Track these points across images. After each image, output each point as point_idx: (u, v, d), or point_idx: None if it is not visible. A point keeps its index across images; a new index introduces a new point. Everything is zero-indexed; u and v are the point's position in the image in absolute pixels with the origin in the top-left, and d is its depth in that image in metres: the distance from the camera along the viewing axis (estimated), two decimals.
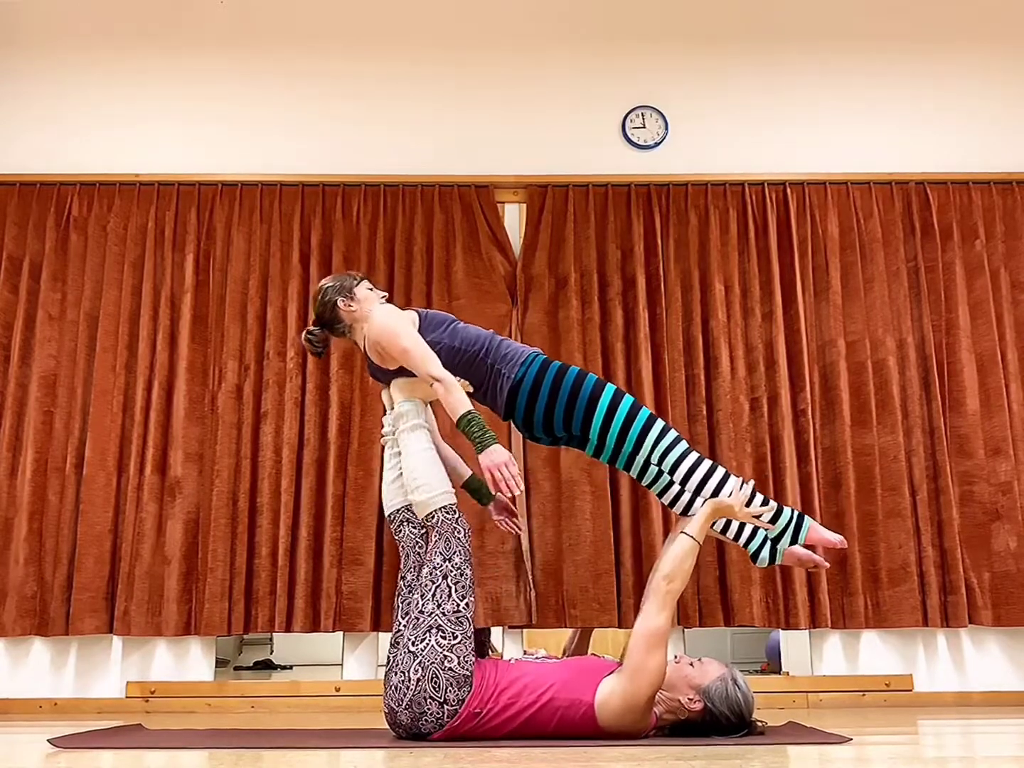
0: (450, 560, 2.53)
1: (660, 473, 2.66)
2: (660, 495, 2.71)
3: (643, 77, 4.44)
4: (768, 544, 2.73)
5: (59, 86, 4.39)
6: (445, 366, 2.71)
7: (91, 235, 4.17)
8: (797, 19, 4.51)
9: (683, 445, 2.67)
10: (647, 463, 2.66)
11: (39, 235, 4.17)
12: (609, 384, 2.72)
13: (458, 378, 2.74)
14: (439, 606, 2.48)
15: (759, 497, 2.67)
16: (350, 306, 2.84)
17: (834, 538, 2.73)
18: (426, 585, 2.52)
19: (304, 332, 2.94)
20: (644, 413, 2.67)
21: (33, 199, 4.20)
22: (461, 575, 2.52)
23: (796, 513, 2.73)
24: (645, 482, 2.71)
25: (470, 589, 2.53)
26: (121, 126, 4.35)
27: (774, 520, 2.70)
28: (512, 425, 3.96)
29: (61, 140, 4.33)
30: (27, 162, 4.28)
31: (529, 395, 2.70)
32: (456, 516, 2.60)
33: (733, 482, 2.66)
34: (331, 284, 2.88)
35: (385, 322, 2.78)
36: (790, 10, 4.52)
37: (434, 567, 2.53)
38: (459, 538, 2.57)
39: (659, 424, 2.67)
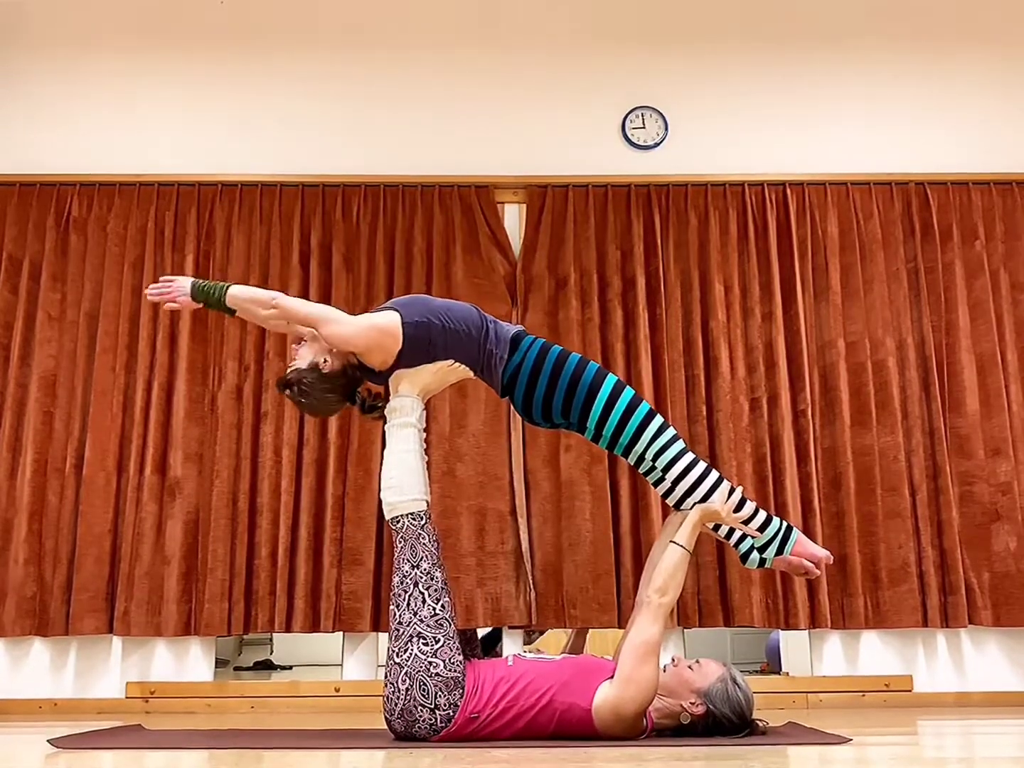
0: (418, 567, 2.51)
1: (654, 468, 2.66)
2: (654, 485, 2.73)
3: (643, 77, 4.43)
4: (774, 544, 2.72)
5: (59, 86, 4.38)
6: (439, 346, 2.65)
7: (91, 235, 4.17)
8: (797, 19, 4.51)
9: (679, 445, 2.67)
10: (642, 457, 2.66)
11: (39, 235, 4.17)
12: (610, 374, 2.69)
13: (452, 362, 2.69)
14: (415, 614, 2.46)
15: (749, 504, 2.67)
16: (327, 360, 2.65)
17: (821, 553, 2.70)
18: (399, 595, 2.50)
19: (360, 412, 2.73)
20: (644, 407, 2.66)
21: (33, 199, 4.20)
22: (431, 579, 2.50)
23: (785, 524, 2.73)
24: (640, 471, 2.73)
25: (444, 591, 2.50)
26: (121, 126, 4.35)
27: (763, 528, 2.69)
28: (510, 415, 4.01)
29: (61, 140, 4.32)
30: (27, 162, 4.27)
31: (528, 380, 2.66)
32: (422, 523, 2.55)
33: (725, 487, 2.65)
34: (305, 373, 2.63)
35: (333, 335, 2.63)
36: (790, 10, 4.52)
37: (403, 575, 2.51)
38: (424, 543, 2.53)
39: (657, 420, 2.66)
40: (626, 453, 2.69)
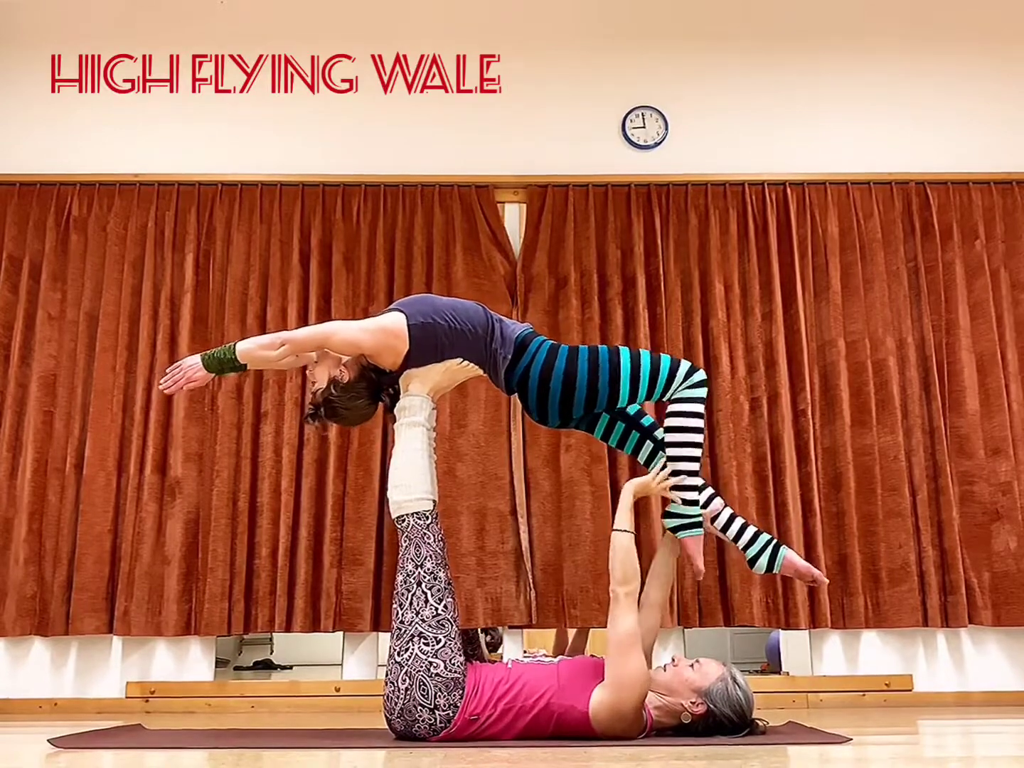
0: (422, 566, 2.51)
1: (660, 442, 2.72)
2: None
3: (643, 77, 4.43)
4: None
5: (59, 86, 4.38)
6: (446, 345, 2.66)
7: (91, 235, 4.17)
8: (797, 19, 4.51)
9: (700, 406, 2.66)
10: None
11: (39, 235, 4.17)
12: (621, 348, 2.71)
13: (462, 360, 2.71)
14: (417, 614, 2.46)
15: (692, 479, 2.66)
16: (342, 371, 2.69)
17: (810, 574, 2.74)
18: (402, 594, 2.50)
19: (386, 410, 2.77)
20: (666, 359, 2.69)
21: (33, 199, 4.20)
22: (435, 579, 2.50)
23: (772, 541, 2.76)
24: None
25: (447, 591, 2.50)
26: (121, 126, 4.35)
27: (692, 503, 2.70)
28: (511, 414, 4.01)
29: (61, 140, 4.32)
30: (27, 162, 4.27)
31: (540, 383, 2.64)
32: (427, 523, 2.56)
33: (702, 487, 2.71)
34: (327, 391, 2.68)
35: (343, 342, 2.67)
36: (790, 10, 4.51)
37: (407, 575, 2.51)
38: (429, 543, 2.54)
39: (684, 364, 2.68)
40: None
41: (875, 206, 4.25)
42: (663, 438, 2.71)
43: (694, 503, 2.69)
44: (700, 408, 2.66)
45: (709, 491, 2.75)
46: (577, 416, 2.72)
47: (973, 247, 4.20)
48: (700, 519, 2.70)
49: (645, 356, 2.68)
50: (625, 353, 2.67)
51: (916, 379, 4.05)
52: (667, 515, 2.72)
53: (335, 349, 2.68)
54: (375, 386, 2.72)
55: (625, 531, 2.56)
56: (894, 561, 3.86)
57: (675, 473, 2.65)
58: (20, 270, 4.12)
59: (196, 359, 2.68)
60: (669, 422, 2.66)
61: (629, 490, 2.65)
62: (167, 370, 2.72)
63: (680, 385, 2.65)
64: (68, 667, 3.86)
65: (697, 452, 2.66)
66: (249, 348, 2.65)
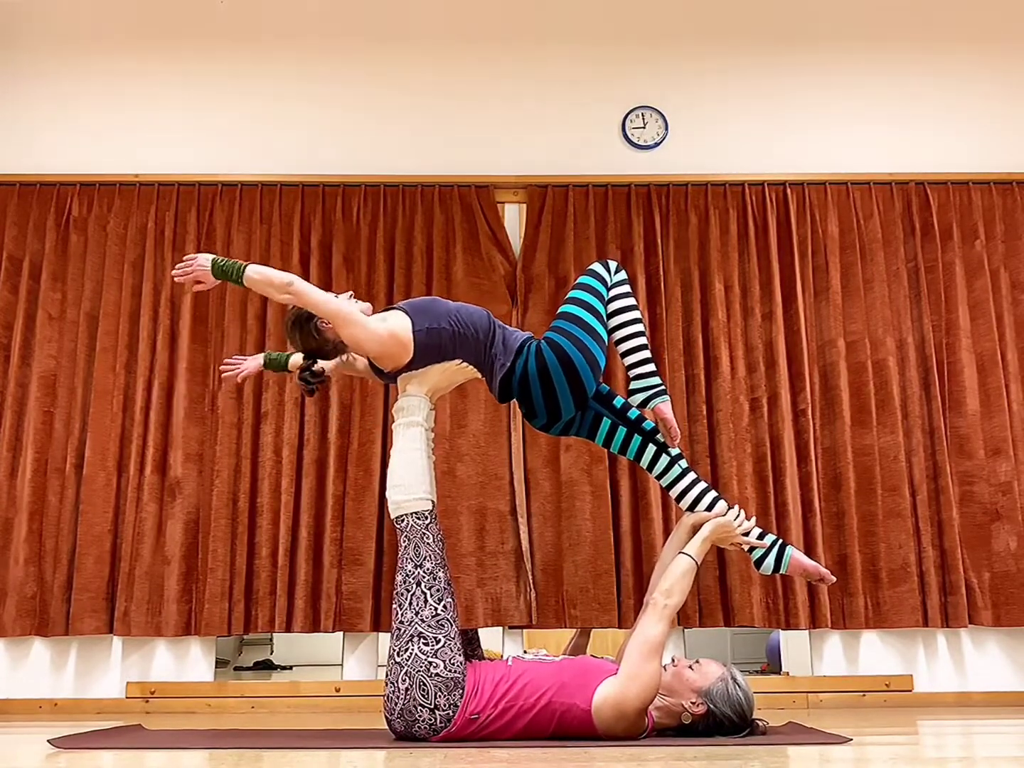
0: (421, 566, 2.51)
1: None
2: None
3: (643, 77, 4.44)
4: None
5: (59, 86, 4.39)
6: (448, 349, 2.68)
7: (91, 235, 4.17)
8: (798, 19, 4.51)
9: (627, 286, 2.78)
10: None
11: (39, 235, 4.17)
12: (573, 307, 2.73)
13: (460, 362, 2.71)
14: (417, 614, 2.47)
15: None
16: (327, 323, 2.70)
17: (817, 572, 2.76)
18: (401, 594, 2.50)
19: (298, 373, 2.81)
20: (593, 283, 2.77)
21: (33, 199, 4.20)
22: (434, 579, 2.50)
23: (779, 541, 2.79)
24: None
25: (446, 591, 2.51)
26: (121, 126, 4.35)
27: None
28: (511, 414, 4.00)
29: (61, 140, 4.33)
30: (27, 162, 4.28)
31: (541, 379, 2.63)
32: (427, 523, 2.56)
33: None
34: (299, 312, 2.72)
35: (349, 337, 2.68)
36: (791, 10, 4.52)
37: (406, 575, 2.51)
38: (428, 543, 2.54)
39: (599, 267, 2.78)
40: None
41: (875, 206, 4.25)
42: (638, 374, 2.75)
43: (655, 373, 2.75)
44: (628, 288, 2.77)
45: (713, 494, 2.75)
46: (591, 390, 2.69)
47: (973, 247, 4.20)
48: (664, 387, 2.76)
49: (586, 297, 2.71)
50: (577, 310, 2.69)
51: (916, 379, 4.05)
52: (632, 392, 2.76)
53: (341, 337, 2.68)
54: (322, 352, 2.77)
55: (690, 557, 2.61)
56: (894, 561, 3.86)
57: (639, 348, 2.73)
58: (20, 270, 4.12)
59: (208, 260, 2.66)
60: (616, 319, 2.73)
61: (710, 526, 2.68)
62: (183, 258, 2.71)
63: (611, 282, 2.75)
64: (68, 667, 3.86)
65: (641, 326, 2.75)
66: (256, 280, 2.63)
